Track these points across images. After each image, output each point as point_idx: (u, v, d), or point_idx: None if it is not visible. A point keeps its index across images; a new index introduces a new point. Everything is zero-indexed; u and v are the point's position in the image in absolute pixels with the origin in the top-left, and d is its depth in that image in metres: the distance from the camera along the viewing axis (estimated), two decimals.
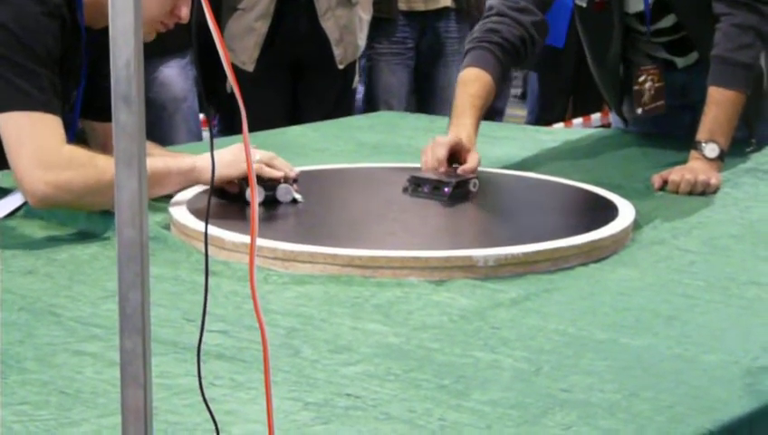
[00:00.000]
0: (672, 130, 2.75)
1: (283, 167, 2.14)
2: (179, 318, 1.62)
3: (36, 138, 1.95)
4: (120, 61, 0.84)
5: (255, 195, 1.08)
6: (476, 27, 2.58)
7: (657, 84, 2.70)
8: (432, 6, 4.39)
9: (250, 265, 1.08)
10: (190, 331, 1.57)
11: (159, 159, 2.11)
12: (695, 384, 1.40)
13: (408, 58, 4.40)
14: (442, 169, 2.22)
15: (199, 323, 1.51)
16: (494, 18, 2.54)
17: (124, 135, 0.86)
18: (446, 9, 4.42)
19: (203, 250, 1.89)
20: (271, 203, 2.10)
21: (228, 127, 4.04)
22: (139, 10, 0.81)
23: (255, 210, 1.09)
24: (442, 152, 2.25)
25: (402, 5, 4.29)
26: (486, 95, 2.48)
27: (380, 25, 4.22)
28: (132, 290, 0.90)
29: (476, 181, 2.21)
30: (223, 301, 1.69)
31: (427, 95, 4.53)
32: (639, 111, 2.71)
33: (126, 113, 0.86)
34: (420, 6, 4.38)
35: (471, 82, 2.47)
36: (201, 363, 1.42)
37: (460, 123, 2.39)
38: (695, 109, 2.55)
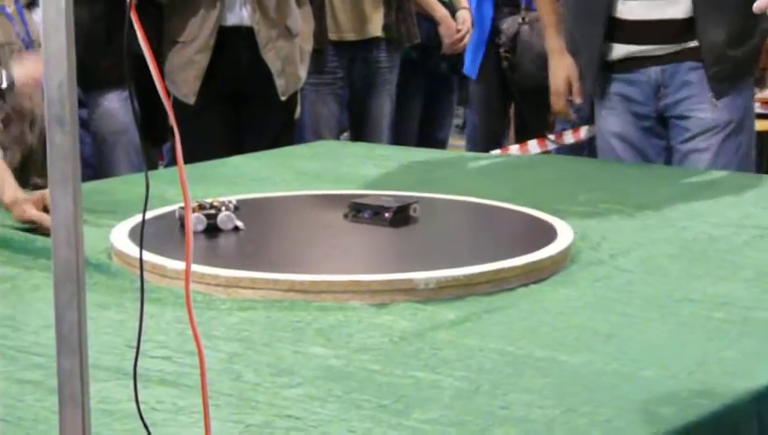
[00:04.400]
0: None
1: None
2: (122, 345, 1.62)
3: None
4: (52, 82, 0.85)
5: (190, 223, 1.09)
6: None
7: None
8: (362, 36, 4.42)
9: (186, 289, 1.09)
10: (132, 357, 1.56)
11: None
12: (632, 399, 1.42)
13: (339, 87, 4.42)
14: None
15: (140, 348, 1.52)
16: None
17: (59, 156, 0.87)
18: (376, 39, 4.45)
19: (144, 277, 1.89)
20: (212, 231, 2.11)
21: (175, 157, 4.04)
22: (71, 31, 0.82)
23: (190, 236, 1.10)
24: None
25: (333, 36, 4.31)
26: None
27: (310, 56, 4.24)
28: (68, 310, 0.90)
29: (417, 206, 2.23)
30: (165, 327, 1.70)
31: (361, 125, 4.56)
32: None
33: (60, 134, 0.87)
34: (351, 36, 4.41)
35: None
36: (143, 389, 1.43)
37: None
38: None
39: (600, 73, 3.08)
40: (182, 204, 2.09)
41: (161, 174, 2.99)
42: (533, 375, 1.51)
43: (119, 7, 3.64)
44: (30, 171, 3.15)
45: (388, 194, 2.33)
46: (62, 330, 0.91)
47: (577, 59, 3.16)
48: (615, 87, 3.09)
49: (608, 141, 3.11)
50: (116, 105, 3.62)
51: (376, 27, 4.43)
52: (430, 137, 5.11)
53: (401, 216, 2.18)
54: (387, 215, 2.16)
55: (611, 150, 3.09)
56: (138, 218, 2.12)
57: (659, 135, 3.10)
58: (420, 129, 5.13)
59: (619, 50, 3.03)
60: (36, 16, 3.11)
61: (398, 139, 4.76)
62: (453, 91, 5.40)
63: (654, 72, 3.04)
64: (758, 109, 6.04)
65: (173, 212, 2.19)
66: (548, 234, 2.09)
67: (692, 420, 1.36)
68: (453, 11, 4.97)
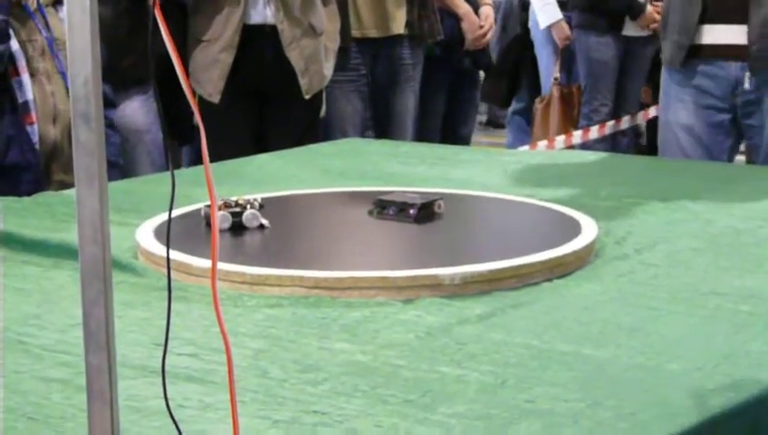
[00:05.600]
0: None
1: None
2: (149, 343, 1.63)
3: None
4: (78, 79, 0.86)
5: (216, 222, 1.09)
6: None
7: None
8: (385, 33, 4.42)
9: (212, 286, 1.09)
10: (159, 355, 1.57)
11: None
12: (657, 392, 1.42)
13: (362, 85, 4.43)
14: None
15: (168, 345, 1.53)
16: None
17: (84, 153, 0.88)
18: (399, 36, 4.45)
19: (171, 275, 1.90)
20: (238, 229, 2.12)
21: (198, 157, 4.06)
22: (95, 28, 0.83)
23: (216, 234, 1.10)
24: None
25: (356, 33, 4.31)
26: None
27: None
28: (96, 307, 0.91)
29: (441, 202, 2.23)
30: (192, 324, 1.70)
31: (385, 122, 4.56)
32: None
33: (86, 131, 0.87)
34: (373, 33, 4.41)
35: None
36: (171, 386, 1.44)
37: None
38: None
39: (684, 60, 3.09)
40: (207, 202, 2.10)
41: (185, 173, 3.00)
42: (559, 369, 1.51)
43: (142, 5, 3.65)
44: (54, 168, 3.18)
45: (413, 190, 2.34)
46: (89, 327, 0.92)
47: (664, 45, 3.17)
48: (694, 79, 3.10)
49: (674, 134, 3.13)
50: (137, 104, 3.63)
51: (399, 25, 4.44)
52: (454, 133, 5.12)
53: (426, 212, 2.19)
54: (412, 211, 2.17)
55: (676, 143, 3.11)
56: (163, 217, 2.13)
57: (728, 133, 3.11)
58: (444, 125, 5.14)
59: (711, 33, 3.03)
60: (62, 14, 3.16)
61: (422, 135, 4.77)
62: (477, 88, 5.41)
63: (735, 68, 3.05)
64: None
65: (198, 210, 2.20)
66: (572, 229, 2.09)
67: (718, 413, 1.36)
68: (476, 7, 4.97)
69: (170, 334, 1.63)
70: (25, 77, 3.13)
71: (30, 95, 3.13)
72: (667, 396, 1.40)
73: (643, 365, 1.51)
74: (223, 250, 2.01)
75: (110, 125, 3.30)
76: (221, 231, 2.10)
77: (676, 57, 3.15)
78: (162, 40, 0.96)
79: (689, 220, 2.28)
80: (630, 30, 5.51)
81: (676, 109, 3.14)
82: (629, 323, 1.68)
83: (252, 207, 2.15)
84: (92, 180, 0.88)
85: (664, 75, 3.35)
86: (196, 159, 3.81)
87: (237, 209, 2.13)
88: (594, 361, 1.54)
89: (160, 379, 1.45)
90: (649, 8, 5.49)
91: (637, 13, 5.46)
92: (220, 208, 2.12)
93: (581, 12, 5.56)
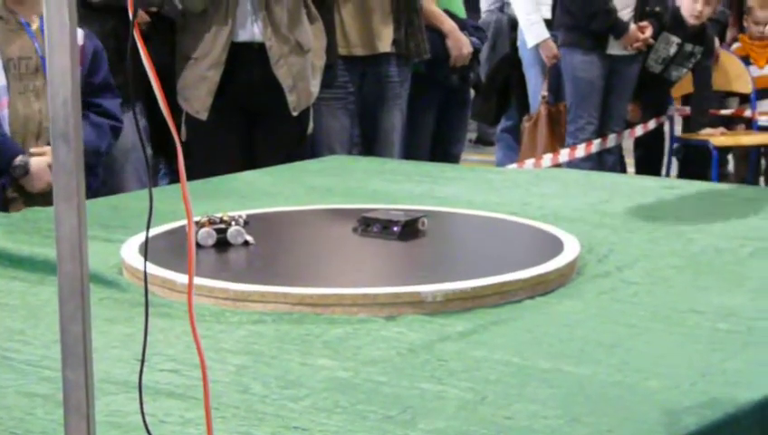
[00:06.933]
0: None
1: None
2: (131, 358, 1.64)
3: None
4: (57, 99, 0.87)
5: (192, 236, 1.11)
6: None
7: None
8: (371, 51, 4.44)
9: (189, 303, 1.10)
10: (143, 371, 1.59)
11: None
12: (635, 409, 1.44)
13: (349, 102, 4.44)
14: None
15: (149, 362, 1.54)
16: None
17: (63, 172, 0.89)
18: (386, 54, 4.47)
19: (153, 291, 1.91)
20: (223, 245, 2.13)
21: (188, 173, 4.07)
22: (75, 49, 0.84)
23: (193, 250, 1.11)
24: None
25: (342, 50, 4.33)
26: None
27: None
28: (73, 323, 0.92)
29: (425, 220, 2.24)
30: (174, 341, 1.71)
31: (372, 139, 4.58)
32: None
33: (65, 151, 0.89)
34: (360, 51, 4.42)
35: None
36: (152, 402, 1.45)
37: None
38: None
39: None
40: (193, 219, 2.12)
41: (172, 189, 3.01)
42: (538, 386, 1.52)
43: (129, 25, 3.66)
44: None
45: (398, 208, 2.35)
46: (67, 342, 0.93)
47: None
48: None
49: None
50: (125, 123, 3.65)
51: (386, 43, 4.46)
52: (445, 152, 5.13)
53: (410, 229, 2.20)
54: (395, 228, 2.18)
55: None
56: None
57: None
58: (434, 144, 5.14)
59: None
60: None
61: (411, 153, 4.77)
62: (467, 106, 5.42)
63: None
64: (767, 122, 6.07)
65: (183, 227, 2.21)
66: (555, 247, 2.10)
67: (693, 431, 1.37)
68: (461, 24, 4.99)
69: (152, 350, 1.64)
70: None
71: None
72: (644, 413, 1.42)
73: (621, 382, 1.53)
74: (207, 266, 2.02)
75: (103, 114, 3.34)
76: (205, 247, 2.11)
77: None
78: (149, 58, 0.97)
79: (671, 239, 2.29)
80: (615, 49, 5.54)
81: None
82: (609, 341, 1.70)
83: (237, 223, 2.16)
84: (71, 198, 0.90)
85: None
86: (189, 175, 3.82)
87: (222, 226, 2.14)
88: (574, 378, 1.55)
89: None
90: (633, 27, 5.52)
91: (620, 32, 5.49)
92: (205, 225, 2.13)
93: (567, 31, 5.58)
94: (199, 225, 2.12)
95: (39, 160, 3.21)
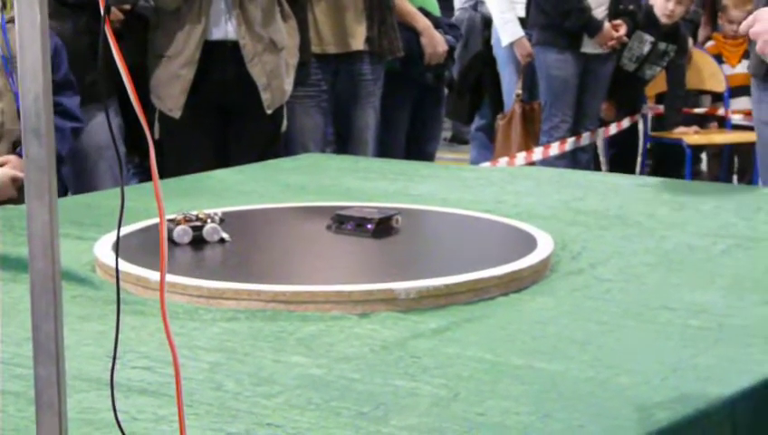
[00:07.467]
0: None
1: None
2: (103, 356, 1.64)
3: None
4: (29, 95, 0.87)
5: (164, 234, 1.11)
6: None
7: None
8: (345, 50, 4.44)
9: (161, 300, 1.10)
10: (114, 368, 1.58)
11: None
12: (607, 405, 1.44)
13: (323, 100, 4.44)
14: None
15: (122, 359, 1.54)
16: None
17: (35, 168, 0.89)
18: (359, 52, 4.47)
19: (126, 289, 1.91)
20: (198, 243, 2.13)
21: (162, 171, 4.06)
22: (46, 45, 0.84)
23: (165, 247, 1.11)
24: None
25: (316, 49, 4.33)
26: None
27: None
28: (45, 320, 0.92)
29: (399, 218, 2.25)
30: (147, 338, 1.71)
31: (345, 137, 4.58)
32: None
33: (36, 147, 0.89)
34: (333, 49, 4.42)
35: None
36: (125, 399, 1.45)
37: None
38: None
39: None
40: (168, 216, 2.11)
41: (147, 187, 3.00)
42: (511, 382, 1.53)
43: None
44: None
45: (372, 206, 2.35)
46: (39, 339, 0.93)
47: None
48: None
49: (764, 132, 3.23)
50: (98, 120, 3.63)
51: (359, 41, 4.45)
52: (420, 150, 5.13)
53: (383, 227, 2.20)
54: (369, 226, 2.18)
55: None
56: (122, 231, 2.13)
57: None
58: (408, 142, 5.15)
59: None
60: None
61: (385, 151, 4.78)
62: (441, 104, 5.42)
63: None
64: (740, 120, 6.10)
65: (157, 224, 2.21)
66: (528, 244, 2.11)
67: (664, 426, 1.38)
68: (436, 22, 4.99)
69: (125, 347, 1.64)
70: None
71: None
72: (616, 409, 1.42)
73: (593, 378, 1.54)
74: (182, 264, 2.02)
75: (64, 112, 3.30)
76: (181, 245, 2.11)
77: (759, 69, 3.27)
78: (121, 55, 0.97)
79: (644, 236, 2.30)
80: (589, 47, 5.55)
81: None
82: (581, 338, 1.71)
83: (213, 221, 2.16)
84: (43, 195, 0.90)
85: (753, 83, 3.45)
86: (162, 173, 3.81)
87: (198, 223, 2.14)
88: (546, 374, 1.56)
89: (114, 391, 1.46)
90: (607, 26, 5.54)
91: (594, 30, 5.51)
92: (180, 223, 2.13)
93: (541, 29, 5.59)
94: (175, 222, 2.12)
95: (2, 174, 3.15)
